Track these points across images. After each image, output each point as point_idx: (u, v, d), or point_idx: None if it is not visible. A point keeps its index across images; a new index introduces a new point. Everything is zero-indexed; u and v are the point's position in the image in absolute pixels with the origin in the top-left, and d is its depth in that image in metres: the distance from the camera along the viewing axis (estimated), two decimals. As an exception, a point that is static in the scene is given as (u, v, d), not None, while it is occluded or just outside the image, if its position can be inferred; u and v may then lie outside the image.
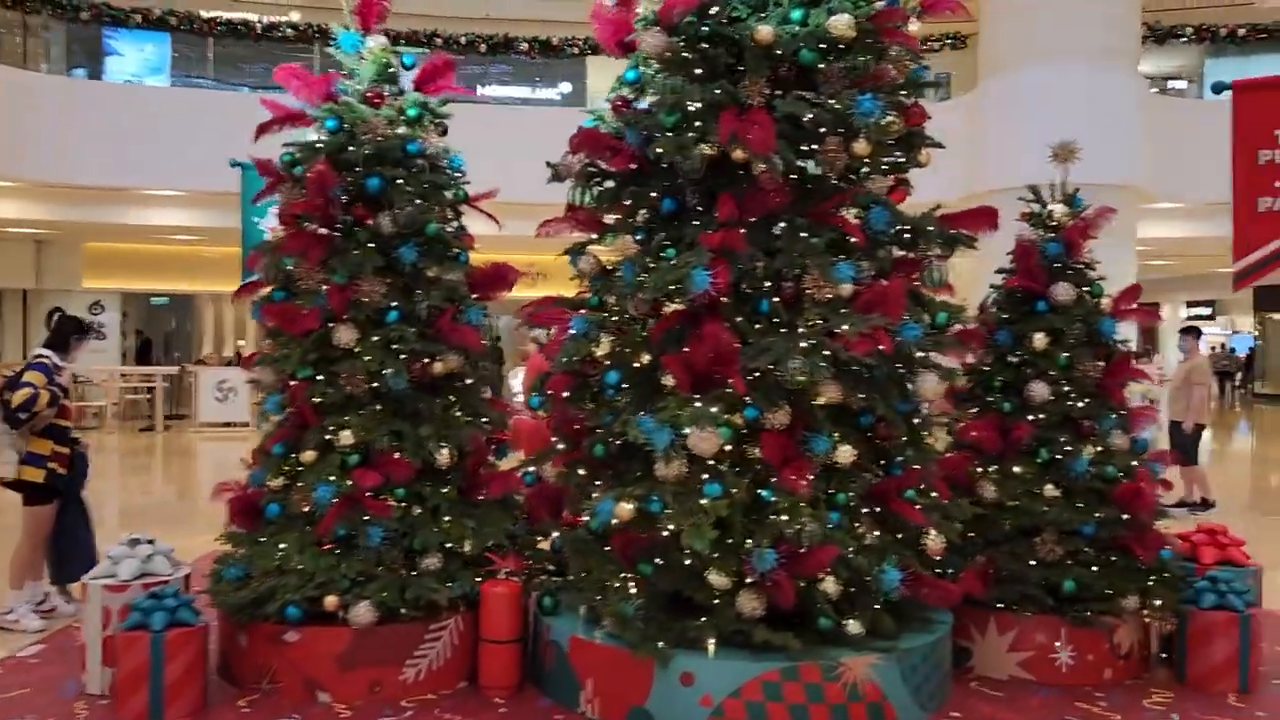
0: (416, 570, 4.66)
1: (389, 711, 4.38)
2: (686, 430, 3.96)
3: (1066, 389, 5.07)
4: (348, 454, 4.66)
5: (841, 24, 4.28)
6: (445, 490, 4.82)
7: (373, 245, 4.79)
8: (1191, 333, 10.35)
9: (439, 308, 4.83)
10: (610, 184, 4.83)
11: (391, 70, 5.00)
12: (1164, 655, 5.11)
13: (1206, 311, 37.62)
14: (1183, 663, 4.89)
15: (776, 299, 4.27)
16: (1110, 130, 15.21)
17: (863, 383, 4.35)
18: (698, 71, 4.45)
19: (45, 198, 16.54)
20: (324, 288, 4.67)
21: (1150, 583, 4.87)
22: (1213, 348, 36.73)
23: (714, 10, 4.41)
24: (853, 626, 4.23)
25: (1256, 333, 34.72)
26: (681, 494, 4.06)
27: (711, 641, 4.16)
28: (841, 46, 4.40)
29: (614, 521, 4.14)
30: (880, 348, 4.13)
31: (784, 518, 4.06)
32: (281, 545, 4.63)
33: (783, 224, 4.36)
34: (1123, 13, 15.67)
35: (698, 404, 4.01)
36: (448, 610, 4.64)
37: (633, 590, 4.38)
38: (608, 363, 4.56)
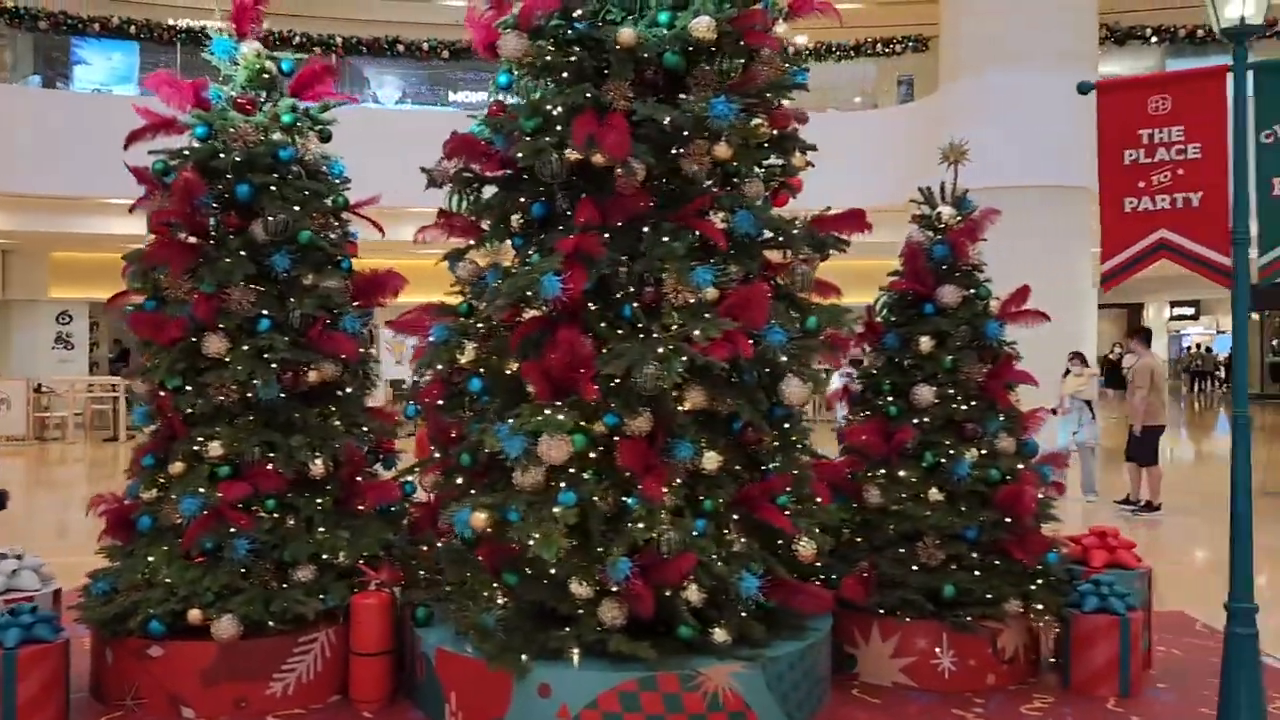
0: (288, 583, 4.61)
1: (253, 726, 4.33)
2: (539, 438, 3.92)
3: (951, 392, 5.03)
4: (218, 465, 4.61)
5: (702, 26, 4.24)
6: (320, 501, 4.76)
7: (245, 253, 4.74)
8: (1138, 335, 10.35)
9: (312, 316, 4.78)
10: (492, 189, 4.79)
11: (267, 76, 4.94)
12: (1054, 660, 5.06)
13: (1190, 311, 37.69)
14: (1067, 667, 4.85)
15: (637, 304, 4.22)
16: (1070, 132, 15.26)
17: (730, 388, 4.32)
18: (564, 75, 4.41)
19: (9, 207, 16.50)
20: (192, 297, 4.61)
21: (1033, 586, 4.83)
22: (1187, 348, 36.78)
23: (578, 13, 4.37)
24: (718, 635, 4.18)
25: (1236, 332, 34.65)
26: (535, 503, 4.02)
27: (576, 651, 4.11)
28: (712, 50, 4.38)
29: (472, 531, 4.09)
30: (740, 352, 4.09)
31: (640, 525, 4.01)
32: (149, 558, 4.58)
33: (647, 228, 4.32)
34: (1081, 16, 15.72)
35: (548, 412, 3.96)
36: (318, 623, 4.59)
37: (501, 601, 4.34)
38: (479, 369, 4.51)
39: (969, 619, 4.75)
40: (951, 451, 4.93)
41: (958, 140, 5.40)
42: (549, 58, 4.36)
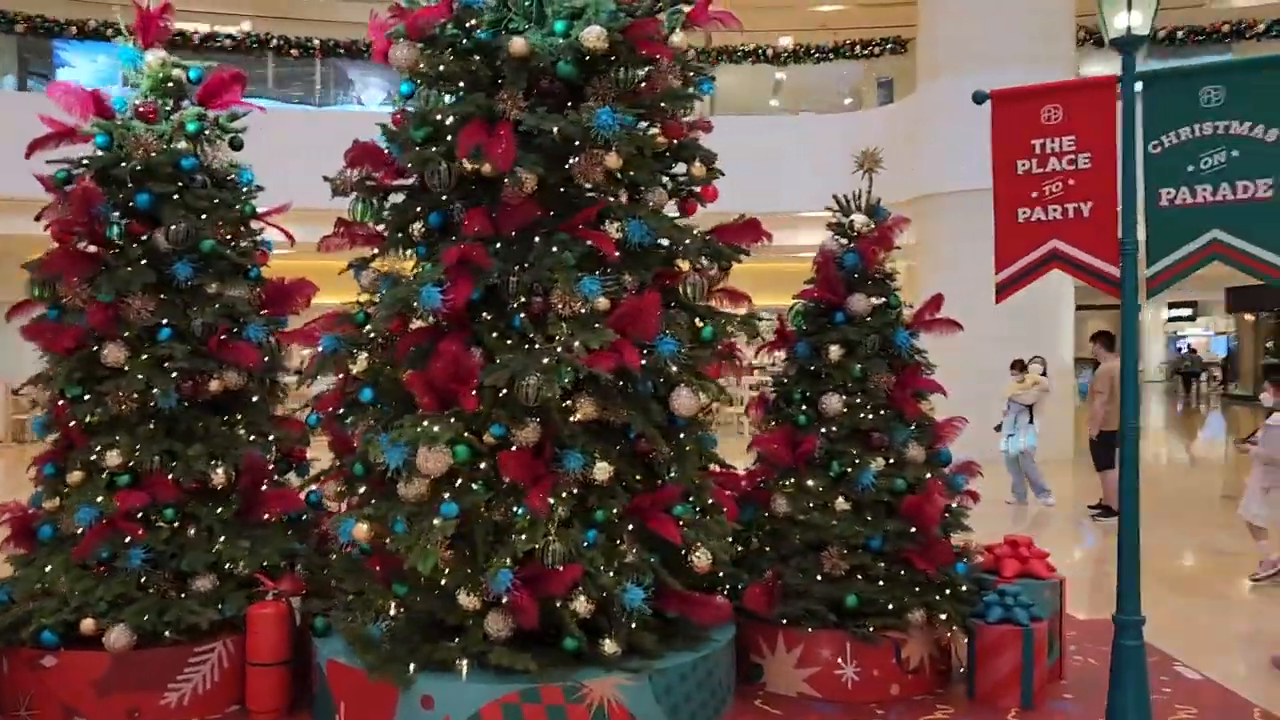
0: (186, 592, 4.60)
1: (145, 737, 4.32)
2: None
3: (859, 401, 5.01)
4: (117, 474, 4.60)
5: (592, 36, 4.22)
6: (220, 510, 4.76)
7: (146, 262, 4.73)
8: (1101, 339, 10.30)
9: (214, 325, 4.77)
10: (397, 198, 4.78)
11: (172, 85, 4.93)
12: (963, 670, 5.04)
13: (1188, 313, 37.60)
14: (972, 677, 4.83)
15: (524, 315, 4.20)
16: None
17: (622, 399, 4.30)
18: (461, 85, 4.40)
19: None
20: (89, 305, 4.60)
21: (937, 597, 4.81)
22: (1179, 349, 36.70)
23: (472, 22, 4.35)
24: (608, 646, 4.17)
25: (1233, 334, 34.66)
26: (417, 514, 4.00)
27: (462, 664, 4.10)
28: (611, 59, 4.37)
29: (359, 542, 4.09)
30: (626, 364, 4.07)
31: (523, 537, 4.00)
32: (48, 568, 4.57)
33: (539, 238, 4.30)
34: (1057, 19, 15.69)
35: (426, 423, 3.94)
36: (216, 633, 4.58)
37: (393, 611, 4.33)
38: (375, 380, 4.50)
39: (870, 629, 4.73)
40: (857, 461, 4.91)
41: (872, 150, 5.36)
42: (442, 67, 4.35)
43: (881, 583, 4.82)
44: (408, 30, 4.27)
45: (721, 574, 4.83)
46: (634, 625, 4.22)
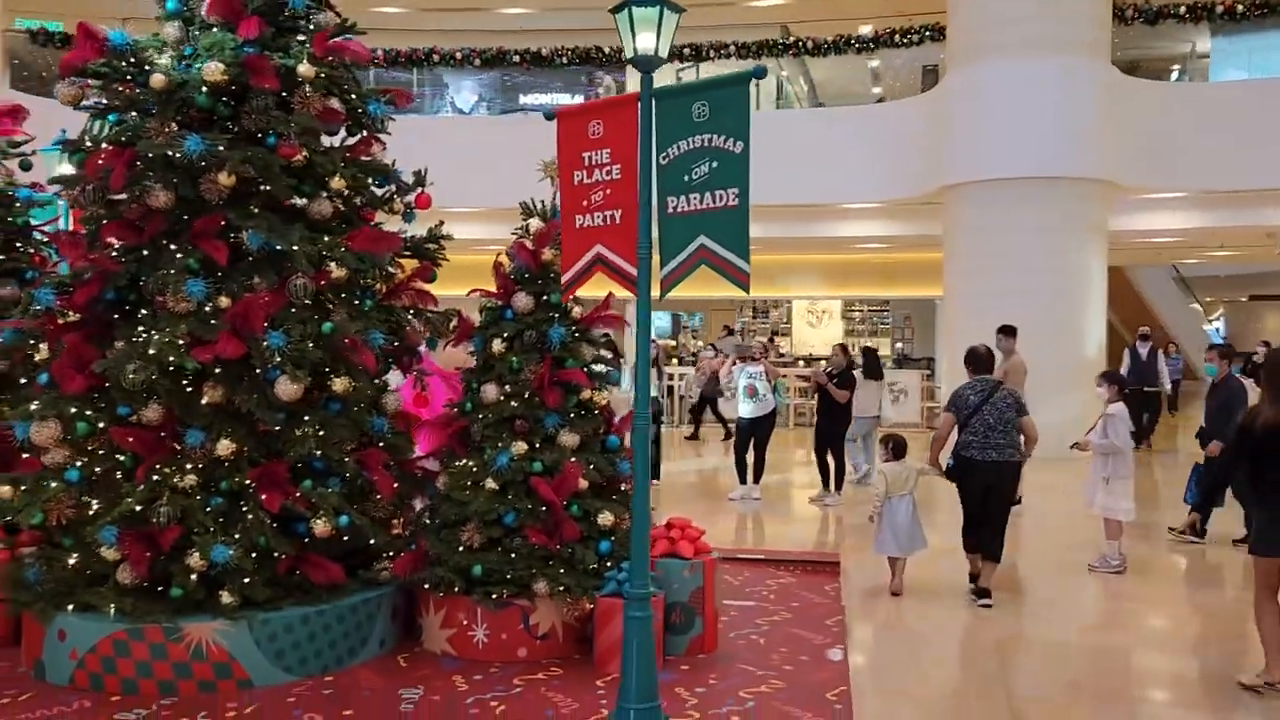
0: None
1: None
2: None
3: (510, 389, 5.49)
4: None
5: (212, 70, 4.91)
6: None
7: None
8: (1007, 331, 10.15)
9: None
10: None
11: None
12: (611, 640, 5.44)
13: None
14: (592, 643, 5.24)
15: (144, 311, 4.95)
16: (1077, 123, 14.79)
17: (249, 385, 4.98)
18: (131, 113, 5.17)
19: None
20: None
21: (561, 570, 5.25)
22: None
23: (127, 61, 5.09)
24: (225, 597, 4.87)
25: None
26: (41, 478, 4.83)
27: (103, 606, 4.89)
28: (247, 88, 5.05)
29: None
30: (223, 353, 4.75)
31: (129, 500, 4.75)
32: None
33: (173, 246, 5.02)
34: (1091, 2, 15.12)
35: (36, 404, 4.75)
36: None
37: (71, 560, 5.16)
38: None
39: (496, 596, 5.22)
40: (500, 444, 5.41)
41: (550, 161, 5.76)
42: (104, 100, 5.13)
43: (513, 555, 5.30)
44: (60, 68, 5.06)
45: (374, 541, 5.44)
46: (246, 580, 4.90)
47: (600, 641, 5.18)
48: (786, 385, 17.50)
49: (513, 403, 5.47)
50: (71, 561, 5.09)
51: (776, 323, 27.88)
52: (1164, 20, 17.03)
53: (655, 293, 4.39)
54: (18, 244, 6.05)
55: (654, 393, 11.47)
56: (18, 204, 6.08)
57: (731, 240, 4.18)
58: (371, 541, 5.42)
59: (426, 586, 5.39)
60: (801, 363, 22.52)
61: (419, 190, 5.93)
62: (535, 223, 5.69)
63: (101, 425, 4.89)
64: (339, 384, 5.15)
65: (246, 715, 4.53)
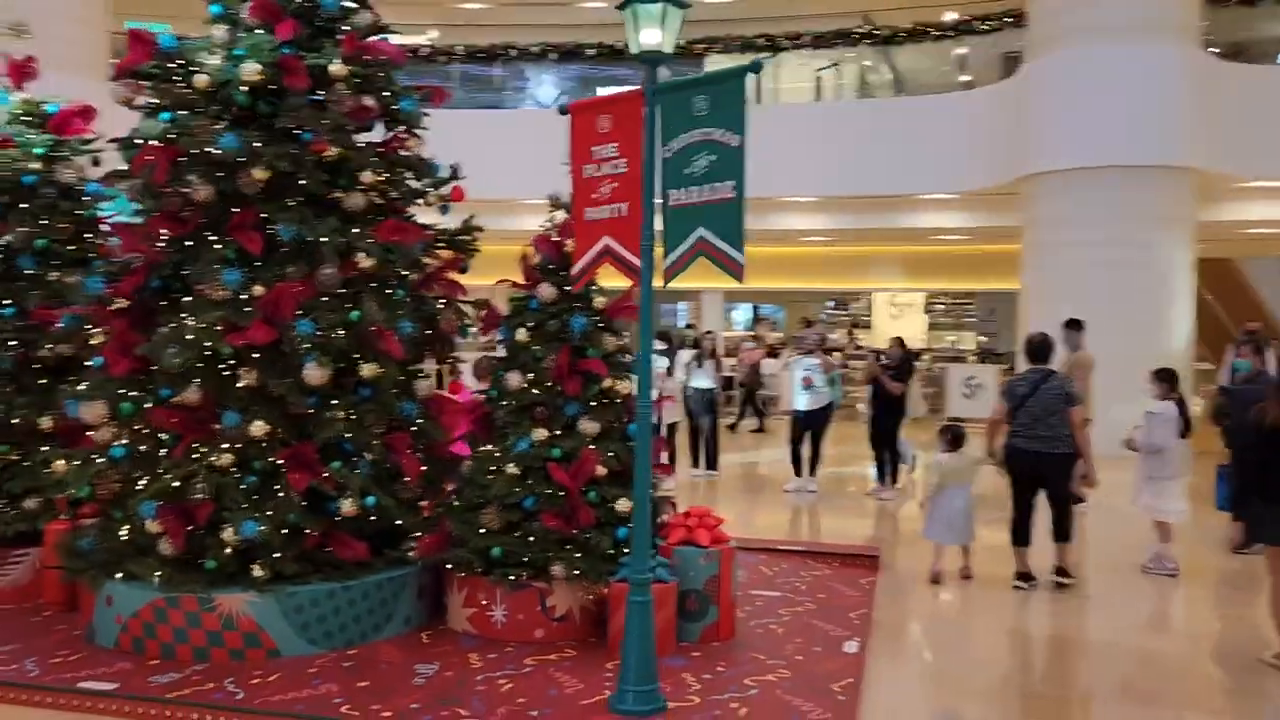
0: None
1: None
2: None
3: (532, 377, 5.64)
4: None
5: (250, 71, 5.17)
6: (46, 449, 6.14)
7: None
8: (1074, 324, 9.92)
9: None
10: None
11: (27, 119, 6.34)
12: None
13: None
14: (606, 626, 5.37)
15: (187, 299, 5.24)
16: (1165, 109, 14.30)
17: (283, 369, 5.24)
18: (180, 110, 5.47)
19: None
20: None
21: (577, 554, 5.38)
22: None
23: (180, 61, 5.38)
24: (256, 570, 5.14)
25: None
26: (93, 453, 5.16)
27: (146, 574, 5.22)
28: (292, 88, 5.31)
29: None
30: (255, 340, 5.01)
31: (168, 475, 5.05)
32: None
33: (214, 237, 5.31)
34: (1178, -16, 14.59)
35: (85, 385, 5.08)
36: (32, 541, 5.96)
37: (122, 533, 5.51)
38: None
39: (515, 578, 5.39)
40: (521, 431, 5.56)
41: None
42: (155, 99, 5.43)
43: (531, 539, 5.45)
44: (115, 70, 5.38)
45: (400, 521, 5.65)
46: (276, 556, 5.16)
47: (613, 625, 5.28)
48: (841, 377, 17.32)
49: (534, 390, 5.62)
50: (123, 533, 5.44)
51: (858, 315, 27.57)
52: (1263, 1, 16.31)
53: (658, 283, 4.49)
54: (86, 235, 6.43)
55: (710, 384, 11.54)
56: (86, 197, 6.46)
57: (727, 232, 4.24)
58: (399, 522, 5.62)
59: (449, 567, 5.58)
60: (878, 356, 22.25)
61: (453, 183, 6.12)
62: (560, 215, 5.82)
63: (146, 406, 5.19)
64: (367, 370, 5.37)
65: (270, 683, 4.78)
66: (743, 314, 28.38)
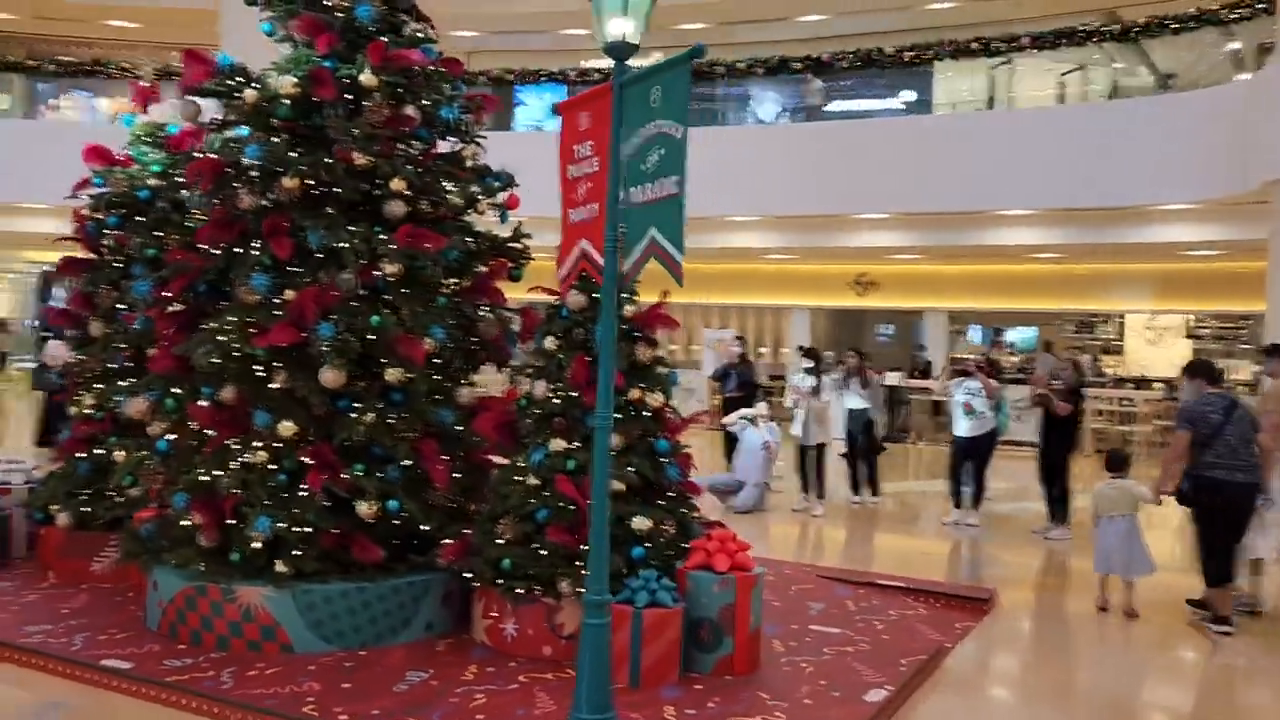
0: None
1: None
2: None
3: (554, 387, 5.49)
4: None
5: (285, 84, 5.40)
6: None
7: (120, 264, 6.80)
8: (1275, 351, 8.54)
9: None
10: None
11: (148, 140, 6.95)
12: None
13: None
14: (611, 651, 5.10)
15: (224, 302, 5.51)
16: None
17: (302, 371, 5.41)
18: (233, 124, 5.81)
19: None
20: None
21: (584, 570, 5.15)
22: None
23: (232, 80, 5.71)
24: (279, 565, 5.33)
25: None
26: (142, 444, 5.53)
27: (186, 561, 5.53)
28: (325, 99, 5.53)
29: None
30: (278, 342, 5.21)
31: (198, 470, 5.33)
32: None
33: (254, 243, 5.56)
34: None
35: (131, 380, 5.45)
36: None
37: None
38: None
39: (519, 591, 5.24)
40: (538, 442, 5.42)
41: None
42: (221, 116, 5.79)
43: (543, 552, 5.29)
44: (179, 88, 5.76)
45: (426, 527, 5.65)
46: (296, 554, 5.31)
47: (614, 646, 5.02)
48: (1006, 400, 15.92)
49: (555, 400, 5.47)
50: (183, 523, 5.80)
51: (1107, 341, 25.19)
52: None
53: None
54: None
55: (863, 404, 10.88)
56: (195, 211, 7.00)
57: (670, 230, 3.92)
58: (424, 528, 5.63)
59: (467, 575, 5.52)
60: (1130, 385, 20.29)
61: (508, 192, 6.11)
62: (599, 223, 5.64)
63: (186, 404, 5.52)
64: (391, 374, 5.43)
65: (264, 676, 4.90)
66: (976, 334, 26.73)
